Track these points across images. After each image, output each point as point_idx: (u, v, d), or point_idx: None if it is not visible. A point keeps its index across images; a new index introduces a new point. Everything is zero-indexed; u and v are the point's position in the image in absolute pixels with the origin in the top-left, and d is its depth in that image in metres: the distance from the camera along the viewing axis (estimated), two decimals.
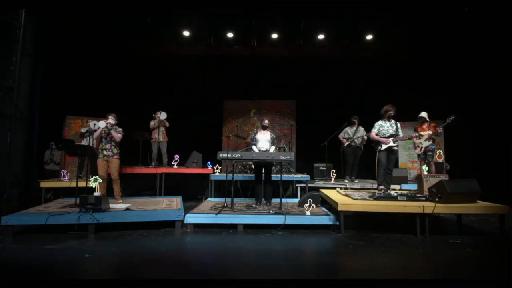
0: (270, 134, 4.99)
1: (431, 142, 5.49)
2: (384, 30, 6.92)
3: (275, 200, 4.76)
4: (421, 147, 5.53)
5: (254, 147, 4.94)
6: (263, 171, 4.90)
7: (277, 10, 6.23)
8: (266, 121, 5.07)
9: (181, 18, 6.78)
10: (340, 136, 6.53)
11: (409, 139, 4.93)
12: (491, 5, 5.35)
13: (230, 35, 7.09)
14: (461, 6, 5.61)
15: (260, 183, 4.86)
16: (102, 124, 4.62)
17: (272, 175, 4.87)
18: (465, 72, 6.67)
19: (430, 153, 5.53)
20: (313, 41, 7.16)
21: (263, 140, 4.94)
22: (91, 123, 4.90)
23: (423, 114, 5.60)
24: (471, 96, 6.54)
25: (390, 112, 4.78)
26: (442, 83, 7.13)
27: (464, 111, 5.59)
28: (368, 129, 5.29)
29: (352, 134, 6.36)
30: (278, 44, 7.21)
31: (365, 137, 6.22)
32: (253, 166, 5.10)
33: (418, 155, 5.67)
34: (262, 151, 4.82)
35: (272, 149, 4.89)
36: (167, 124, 6.62)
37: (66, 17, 6.04)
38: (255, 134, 5.05)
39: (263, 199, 4.89)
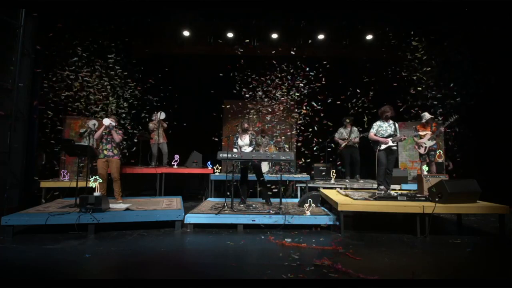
0: (249, 136, 4.93)
1: (434, 142, 5.50)
2: (383, 30, 6.92)
3: (274, 200, 4.77)
4: (425, 147, 5.53)
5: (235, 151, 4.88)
6: (248, 173, 4.92)
7: (277, 10, 6.25)
8: (246, 124, 4.94)
9: (181, 18, 6.78)
10: (336, 137, 6.57)
11: (403, 140, 4.90)
12: (491, 5, 5.35)
13: (230, 35, 7.09)
14: (460, 6, 5.61)
15: (245, 184, 4.91)
16: (106, 121, 4.65)
17: (272, 175, 4.88)
18: (465, 71, 6.67)
19: (432, 152, 5.54)
20: (313, 41, 7.18)
21: (244, 145, 4.90)
22: (91, 123, 4.90)
23: (426, 114, 5.60)
24: (471, 95, 6.53)
25: (387, 114, 4.80)
26: (442, 82, 7.12)
27: (464, 111, 5.60)
28: (366, 129, 5.31)
29: (347, 134, 6.41)
30: (278, 44, 7.23)
31: (358, 138, 6.29)
32: (240, 166, 5.10)
33: (421, 155, 5.67)
34: None
35: (250, 149, 4.86)
36: (165, 125, 6.64)
37: (66, 17, 6.03)
38: (237, 139, 4.97)
39: (260, 199, 4.87)
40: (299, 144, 7.64)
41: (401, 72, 6.50)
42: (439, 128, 5.50)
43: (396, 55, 7.16)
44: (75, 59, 5.86)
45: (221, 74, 6.91)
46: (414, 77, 6.33)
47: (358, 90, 6.58)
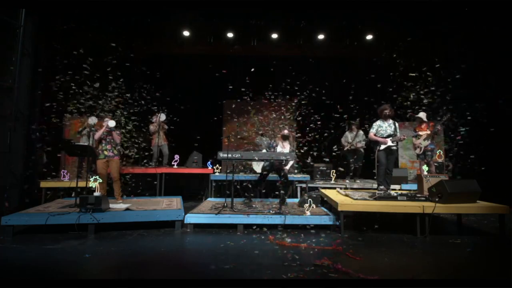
0: (290, 146, 4.90)
1: (429, 141, 5.50)
2: (383, 30, 6.93)
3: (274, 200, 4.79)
4: (421, 148, 5.54)
5: None
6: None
7: (277, 10, 6.25)
8: (286, 131, 4.96)
9: (181, 18, 6.78)
10: (342, 141, 6.64)
11: (403, 139, 4.88)
12: (491, 5, 5.34)
13: (230, 35, 7.10)
14: (460, 5, 5.61)
15: (263, 183, 5.00)
16: (112, 123, 4.65)
17: (271, 175, 4.93)
18: (464, 71, 6.66)
19: (429, 152, 5.54)
20: (313, 41, 7.19)
21: None
22: (91, 120, 4.89)
23: (421, 114, 5.61)
24: (471, 95, 6.53)
25: (386, 112, 4.77)
26: (441, 82, 7.12)
27: (464, 111, 5.59)
28: (367, 130, 5.32)
29: (352, 139, 6.43)
30: (278, 44, 7.23)
31: (364, 142, 6.32)
32: (257, 168, 5.16)
33: (418, 155, 5.68)
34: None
35: (291, 163, 4.87)
36: (166, 127, 6.65)
37: (66, 17, 6.03)
38: (276, 145, 4.91)
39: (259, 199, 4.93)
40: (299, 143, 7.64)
41: (401, 70, 6.49)
42: (435, 128, 5.52)
43: (396, 56, 7.17)
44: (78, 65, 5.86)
45: (223, 71, 6.85)
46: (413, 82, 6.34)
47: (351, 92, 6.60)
